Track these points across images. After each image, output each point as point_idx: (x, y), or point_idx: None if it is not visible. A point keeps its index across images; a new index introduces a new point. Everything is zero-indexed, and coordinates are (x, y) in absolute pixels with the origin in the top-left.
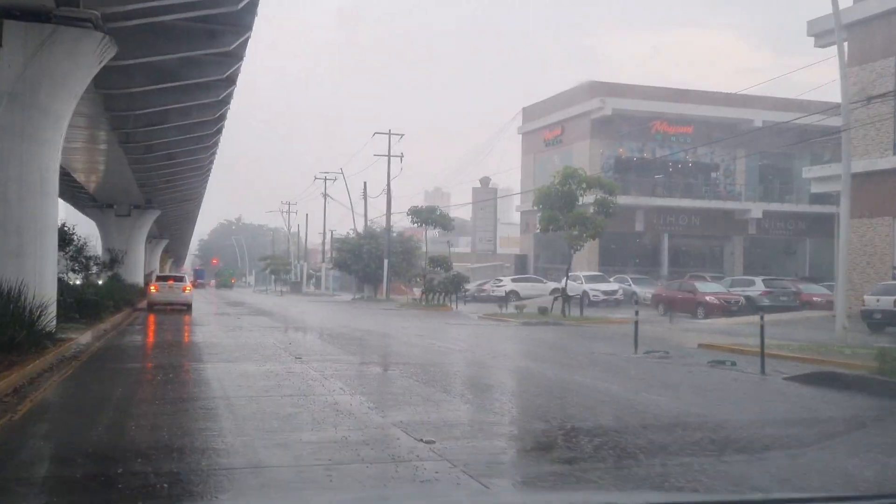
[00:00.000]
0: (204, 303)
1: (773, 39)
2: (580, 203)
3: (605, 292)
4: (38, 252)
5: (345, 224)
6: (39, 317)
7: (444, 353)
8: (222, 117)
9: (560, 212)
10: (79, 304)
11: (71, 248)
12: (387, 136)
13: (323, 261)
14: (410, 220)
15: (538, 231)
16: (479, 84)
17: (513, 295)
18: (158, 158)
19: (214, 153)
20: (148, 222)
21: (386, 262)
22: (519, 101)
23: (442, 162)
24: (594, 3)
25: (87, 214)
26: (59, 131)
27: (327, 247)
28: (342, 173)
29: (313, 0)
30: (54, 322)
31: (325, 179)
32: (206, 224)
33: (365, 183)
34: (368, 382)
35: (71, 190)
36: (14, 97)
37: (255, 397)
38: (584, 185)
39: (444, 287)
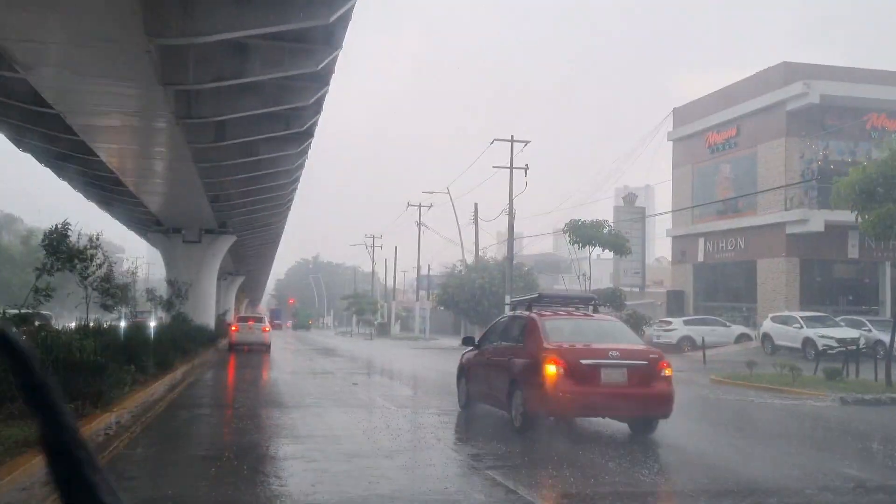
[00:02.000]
0: (287, 349)
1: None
2: None
3: (839, 340)
4: None
5: (439, 259)
6: None
7: None
8: (325, 76)
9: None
10: (60, 372)
11: (91, 268)
12: (508, 142)
13: (417, 299)
14: (568, 239)
15: (701, 261)
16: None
17: (686, 341)
18: (232, 152)
19: (307, 150)
20: (221, 250)
21: (508, 297)
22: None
23: (529, 201)
24: (669, 44)
25: (150, 241)
26: None
27: (420, 282)
28: (448, 193)
29: (389, 47)
30: None
31: (420, 206)
32: (282, 263)
33: (476, 204)
34: None
35: (120, 203)
36: None
37: None
38: None
39: None
